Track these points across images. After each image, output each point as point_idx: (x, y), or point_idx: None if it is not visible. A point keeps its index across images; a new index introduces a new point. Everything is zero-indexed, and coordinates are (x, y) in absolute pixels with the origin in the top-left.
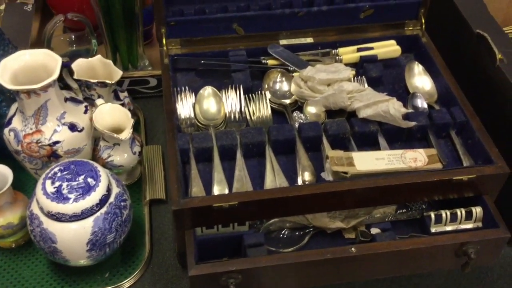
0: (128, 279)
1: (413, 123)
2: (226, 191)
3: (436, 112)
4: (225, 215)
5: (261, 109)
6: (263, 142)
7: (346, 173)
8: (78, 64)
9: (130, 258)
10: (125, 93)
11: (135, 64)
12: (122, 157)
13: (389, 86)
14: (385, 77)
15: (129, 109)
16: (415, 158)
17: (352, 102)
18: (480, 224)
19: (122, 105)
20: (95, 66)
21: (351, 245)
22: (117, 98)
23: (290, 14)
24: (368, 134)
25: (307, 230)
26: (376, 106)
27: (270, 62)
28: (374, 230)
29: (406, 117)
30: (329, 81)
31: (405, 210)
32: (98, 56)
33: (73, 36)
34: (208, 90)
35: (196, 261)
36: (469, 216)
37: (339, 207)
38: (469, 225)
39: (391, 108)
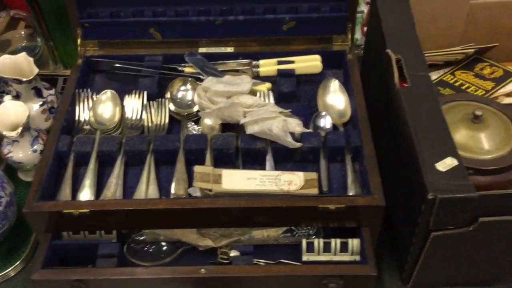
0: (2, 273)
1: (298, 144)
2: (92, 198)
3: (331, 134)
4: (79, 222)
5: (160, 117)
6: (144, 151)
7: (210, 190)
8: (3, 61)
9: (12, 254)
10: (52, 91)
11: (72, 63)
12: (22, 153)
13: (304, 103)
14: (303, 93)
15: (52, 107)
16: (291, 181)
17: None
18: (358, 258)
19: (44, 102)
20: (20, 63)
21: (202, 266)
22: (39, 95)
23: (206, 22)
24: (255, 151)
25: (178, 245)
26: (263, 123)
27: (187, 70)
28: (233, 253)
29: (300, 137)
30: (228, 93)
31: (289, 235)
32: (23, 54)
33: (22, 32)
34: (107, 94)
35: (43, 266)
36: (345, 247)
37: (200, 224)
38: (346, 258)
39: (275, 127)
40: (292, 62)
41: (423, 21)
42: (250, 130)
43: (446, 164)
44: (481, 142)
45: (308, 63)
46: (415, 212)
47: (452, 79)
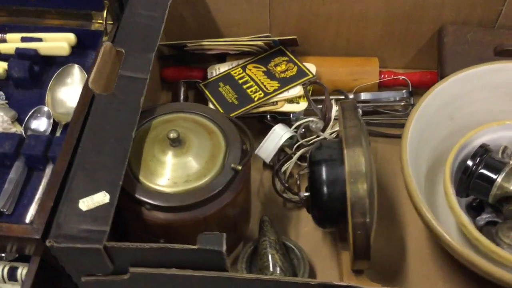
0: None
1: None
2: None
3: (31, 139)
4: None
5: None
6: None
7: None
8: None
9: None
10: None
11: None
12: None
13: (45, 90)
14: (48, 79)
15: None
16: None
17: None
18: None
19: None
20: None
21: None
22: None
23: None
24: None
25: None
26: None
27: None
28: None
29: None
30: None
31: None
32: None
33: None
34: None
35: None
36: (14, 275)
37: None
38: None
39: None
40: (40, 40)
41: (223, 4)
42: None
43: (93, 201)
44: (174, 171)
45: (54, 43)
46: None
47: (239, 74)
